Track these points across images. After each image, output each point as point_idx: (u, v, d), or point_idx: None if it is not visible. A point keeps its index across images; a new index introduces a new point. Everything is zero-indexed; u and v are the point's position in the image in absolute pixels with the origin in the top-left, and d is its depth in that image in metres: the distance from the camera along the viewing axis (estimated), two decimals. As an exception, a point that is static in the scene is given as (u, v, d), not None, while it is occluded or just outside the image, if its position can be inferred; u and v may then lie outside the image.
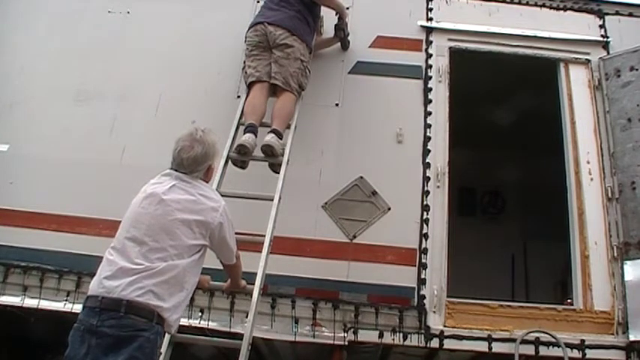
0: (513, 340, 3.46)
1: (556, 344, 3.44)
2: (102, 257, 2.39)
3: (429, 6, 4.41)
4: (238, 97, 3.95)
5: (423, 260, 3.65)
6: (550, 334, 3.47)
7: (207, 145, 2.59)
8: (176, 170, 2.55)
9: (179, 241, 2.38)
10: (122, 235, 2.41)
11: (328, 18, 4.19)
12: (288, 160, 3.40)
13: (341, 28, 4.14)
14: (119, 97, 4.13)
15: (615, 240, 3.76)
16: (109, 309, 2.21)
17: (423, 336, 3.49)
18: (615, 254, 3.72)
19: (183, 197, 2.46)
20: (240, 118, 3.63)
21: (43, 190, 3.86)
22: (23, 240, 3.71)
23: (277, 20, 3.78)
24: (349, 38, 4.21)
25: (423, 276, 3.62)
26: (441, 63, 4.19)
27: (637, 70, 4.05)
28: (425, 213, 3.77)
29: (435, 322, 3.55)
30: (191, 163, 2.54)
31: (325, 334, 3.49)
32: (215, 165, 2.74)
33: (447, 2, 4.45)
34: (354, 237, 3.70)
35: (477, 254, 5.75)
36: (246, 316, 2.86)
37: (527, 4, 4.48)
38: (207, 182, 2.67)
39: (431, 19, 4.36)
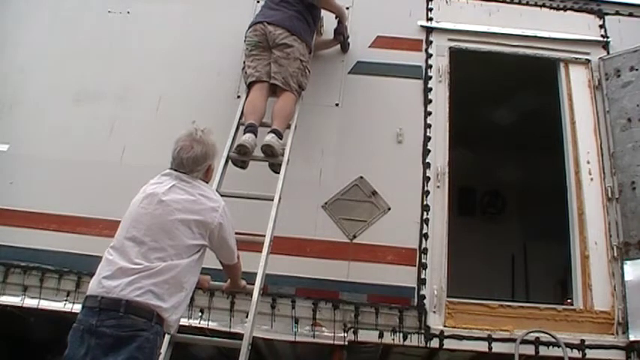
0: (513, 340, 3.46)
1: (556, 344, 3.45)
2: (102, 257, 2.39)
3: (429, 6, 4.41)
4: (238, 97, 3.95)
5: (423, 260, 3.66)
6: (550, 334, 3.48)
7: (207, 145, 2.59)
8: (176, 170, 2.55)
9: (178, 241, 2.38)
10: (122, 235, 2.41)
11: (328, 18, 4.19)
12: (288, 160, 3.40)
13: (340, 32, 4.14)
14: (119, 97, 4.13)
15: (615, 240, 3.76)
16: (109, 309, 2.21)
17: (423, 336, 3.50)
18: (615, 254, 3.72)
19: (183, 197, 2.46)
20: (240, 118, 3.63)
21: (43, 190, 3.86)
22: (23, 240, 3.72)
23: (277, 20, 3.77)
24: (349, 41, 4.21)
25: (423, 276, 3.62)
26: (441, 63, 4.19)
27: (637, 70, 4.05)
28: (425, 213, 3.77)
29: (435, 322, 3.55)
30: (191, 163, 2.54)
31: (325, 334, 3.49)
32: (214, 165, 2.74)
33: (447, 2, 4.45)
34: (354, 237, 3.70)
35: (477, 254, 5.75)
36: (246, 316, 2.86)
37: (527, 4, 4.48)
38: (207, 182, 2.67)
39: (431, 19, 4.36)
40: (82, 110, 4.10)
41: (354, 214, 3.75)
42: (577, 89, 4.21)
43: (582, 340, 3.49)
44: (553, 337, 3.46)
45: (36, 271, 3.64)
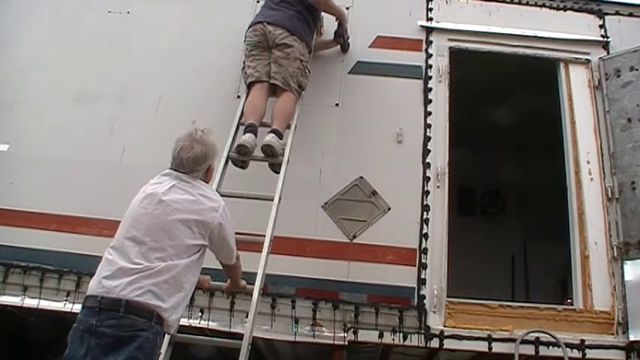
0: (513, 340, 3.46)
1: (556, 344, 3.45)
2: (102, 257, 2.39)
3: (429, 6, 4.41)
4: (238, 97, 3.95)
5: (423, 260, 3.66)
6: (550, 334, 3.48)
7: (207, 145, 2.59)
8: (176, 170, 2.55)
9: (178, 241, 2.38)
10: (121, 234, 2.41)
11: (328, 18, 4.18)
12: (288, 160, 3.40)
13: (340, 35, 4.13)
14: (119, 97, 4.13)
15: (615, 240, 3.76)
16: (109, 309, 2.21)
17: (423, 336, 3.50)
18: (615, 254, 3.72)
19: (183, 197, 2.46)
20: (240, 118, 3.63)
21: (43, 190, 3.86)
22: (23, 240, 3.71)
23: (277, 20, 3.77)
24: (349, 42, 4.21)
25: (423, 276, 3.62)
26: (441, 63, 4.19)
27: (637, 70, 4.05)
28: (425, 213, 3.77)
29: (435, 322, 3.55)
30: (191, 163, 2.54)
31: (325, 334, 3.49)
32: (214, 165, 2.73)
33: (447, 2, 4.45)
34: (354, 237, 3.70)
35: (477, 254, 5.75)
36: (246, 316, 2.85)
37: (527, 4, 4.48)
38: (207, 182, 2.67)
39: (431, 19, 4.36)
40: (82, 110, 4.10)
41: (354, 214, 3.75)
42: (577, 89, 4.21)
43: (582, 340, 3.49)
44: (553, 337, 3.46)
45: (36, 271, 3.64)
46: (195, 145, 2.55)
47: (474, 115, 5.26)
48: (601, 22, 4.41)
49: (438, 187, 3.86)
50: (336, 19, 4.12)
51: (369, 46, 4.26)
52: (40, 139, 4.03)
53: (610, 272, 3.70)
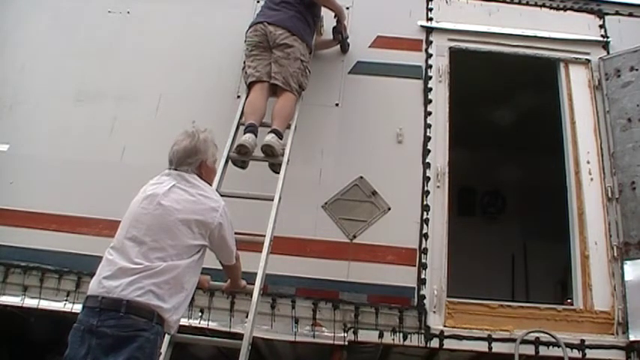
0: (513, 340, 3.46)
1: (556, 344, 3.45)
2: (102, 257, 2.39)
3: (429, 6, 4.41)
4: (238, 97, 3.95)
5: (423, 260, 3.66)
6: (550, 334, 3.48)
7: (197, 140, 2.58)
8: (174, 169, 2.55)
9: (179, 241, 2.37)
10: (122, 235, 2.41)
11: (328, 18, 4.19)
12: (288, 160, 3.40)
13: (339, 31, 4.13)
14: (119, 97, 4.13)
15: (615, 240, 3.76)
16: (109, 309, 2.21)
17: (423, 336, 3.50)
18: (615, 254, 3.72)
19: (183, 197, 2.46)
20: (240, 118, 3.63)
21: (43, 190, 3.86)
22: (23, 240, 3.71)
23: (277, 20, 3.78)
24: (349, 41, 4.21)
25: (423, 276, 3.62)
26: (441, 63, 4.19)
27: (637, 70, 4.05)
28: (425, 213, 3.77)
29: (435, 322, 3.55)
30: (181, 155, 2.54)
31: (325, 334, 3.49)
32: (211, 163, 2.69)
33: (447, 2, 4.45)
34: (354, 237, 3.70)
35: (477, 254, 5.75)
36: (246, 316, 2.86)
37: (527, 4, 4.48)
38: (207, 182, 2.65)
39: (431, 19, 4.36)
40: (82, 110, 4.10)
41: (354, 214, 3.75)
42: (577, 89, 4.21)
43: (582, 340, 3.49)
44: (553, 337, 3.47)
45: (36, 271, 3.64)
46: (185, 138, 2.57)
47: (474, 115, 5.26)
48: (601, 22, 4.41)
49: (438, 187, 3.86)
50: (335, 16, 4.12)
51: (369, 46, 4.26)
52: (40, 139, 4.03)
53: (610, 272, 3.70)
